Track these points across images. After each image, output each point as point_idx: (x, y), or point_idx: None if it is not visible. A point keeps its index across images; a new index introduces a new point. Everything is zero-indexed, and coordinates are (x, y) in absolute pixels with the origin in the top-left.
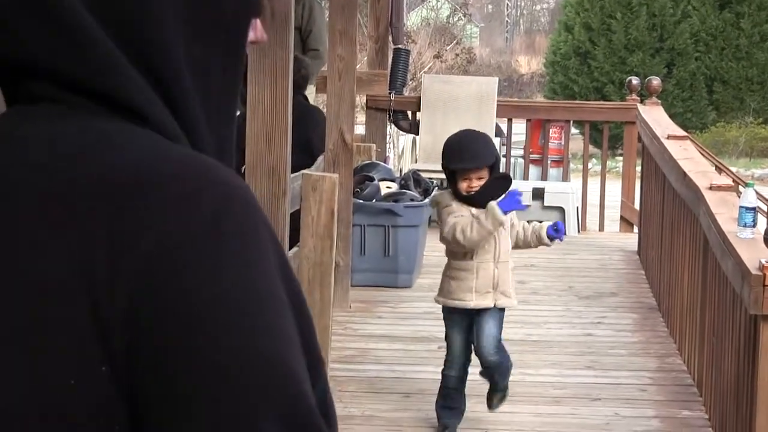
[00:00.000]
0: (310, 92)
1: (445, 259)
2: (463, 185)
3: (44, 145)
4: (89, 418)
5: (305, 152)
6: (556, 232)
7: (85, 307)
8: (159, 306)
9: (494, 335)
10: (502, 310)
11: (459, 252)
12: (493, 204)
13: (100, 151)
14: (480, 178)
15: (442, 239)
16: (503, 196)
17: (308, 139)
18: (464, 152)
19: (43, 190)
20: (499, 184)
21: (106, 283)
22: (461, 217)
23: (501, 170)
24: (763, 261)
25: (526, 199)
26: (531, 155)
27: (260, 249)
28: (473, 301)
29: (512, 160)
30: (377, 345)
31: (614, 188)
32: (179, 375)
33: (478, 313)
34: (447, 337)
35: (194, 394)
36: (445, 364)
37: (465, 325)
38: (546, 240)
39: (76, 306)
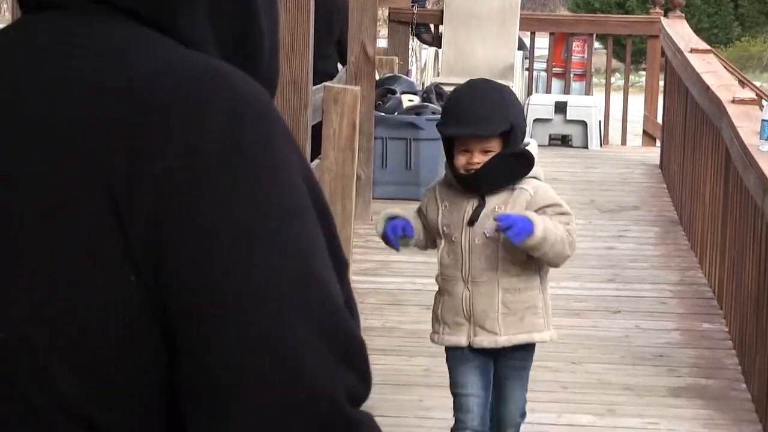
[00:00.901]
0: None
1: None
2: (461, 160)
3: (60, 54)
4: (119, 327)
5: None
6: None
7: (108, 220)
8: (183, 223)
9: (518, 405)
10: (527, 351)
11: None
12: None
13: (118, 60)
14: (486, 152)
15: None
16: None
17: (332, 19)
18: (463, 111)
19: (61, 100)
20: (513, 163)
21: (127, 197)
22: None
23: (524, 140)
24: None
25: (548, 112)
26: (554, 69)
27: (281, 157)
28: (442, 335)
29: (535, 73)
30: (398, 257)
31: (637, 102)
32: (210, 291)
33: (492, 357)
34: (451, 386)
35: (226, 311)
36: (456, 425)
37: (478, 365)
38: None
39: (99, 219)
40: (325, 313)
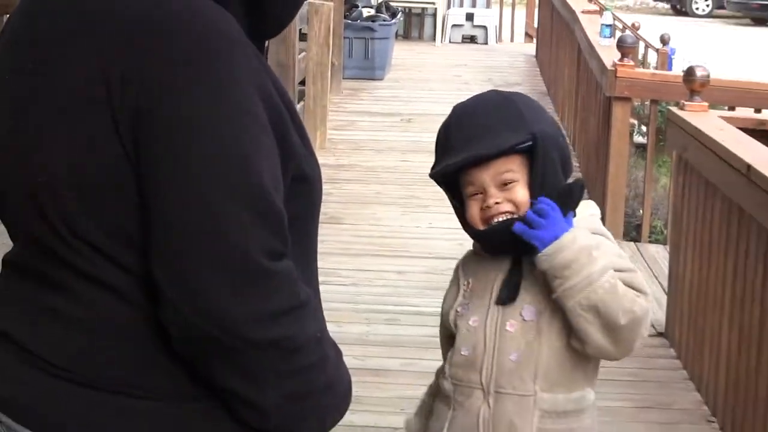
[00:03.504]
0: None
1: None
2: (473, 209)
3: None
4: (112, 184)
5: None
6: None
7: (107, 108)
8: (153, 115)
9: None
10: None
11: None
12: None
13: None
14: (506, 185)
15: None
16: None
17: None
18: (453, 136)
19: (98, 19)
20: (560, 200)
21: (120, 94)
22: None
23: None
24: (615, 60)
25: (462, 19)
26: None
27: (236, 73)
28: None
29: None
30: (360, 118)
31: (521, 13)
32: (168, 164)
33: None
34: None
35: (169, 180)
36: None
37: None
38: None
39: (101, 106)
40: (250, 186)
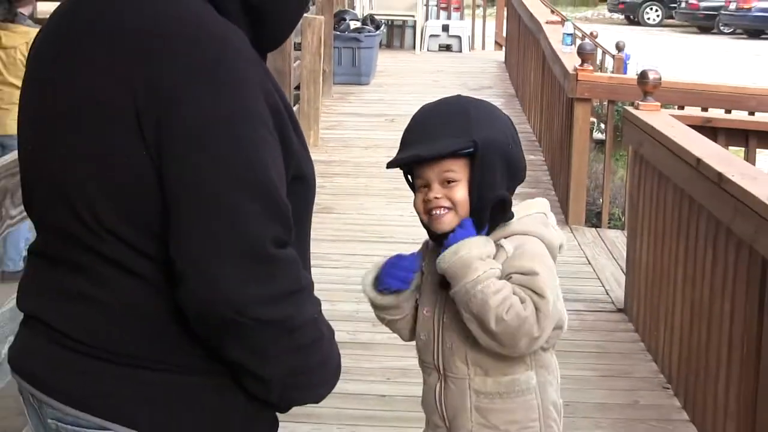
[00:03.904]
0: None
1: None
2: (418, 200)
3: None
4: (137, 185)
5: None
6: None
7: (133, 114)
8: (172, 120)
9: None
10: None
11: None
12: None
13: (152, 6)
14: (448, 182)
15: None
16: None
17: None
18: (408, 135)
19: (109, 32)
20: (479, 210)
21: (144, 100)
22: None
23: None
24: (576, 65)
25: (438, 30)
26: (441, 4)
27: (246, 83)
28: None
29: (430, 7)
30: (349, 119)
31: (491, 24)
32: (185, 164)
33: None
34: None
35: (187, 180)
36: None
37: None
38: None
39: (127, 113)
40: (259, 182)
